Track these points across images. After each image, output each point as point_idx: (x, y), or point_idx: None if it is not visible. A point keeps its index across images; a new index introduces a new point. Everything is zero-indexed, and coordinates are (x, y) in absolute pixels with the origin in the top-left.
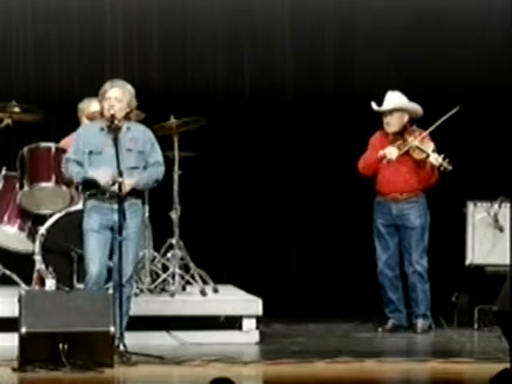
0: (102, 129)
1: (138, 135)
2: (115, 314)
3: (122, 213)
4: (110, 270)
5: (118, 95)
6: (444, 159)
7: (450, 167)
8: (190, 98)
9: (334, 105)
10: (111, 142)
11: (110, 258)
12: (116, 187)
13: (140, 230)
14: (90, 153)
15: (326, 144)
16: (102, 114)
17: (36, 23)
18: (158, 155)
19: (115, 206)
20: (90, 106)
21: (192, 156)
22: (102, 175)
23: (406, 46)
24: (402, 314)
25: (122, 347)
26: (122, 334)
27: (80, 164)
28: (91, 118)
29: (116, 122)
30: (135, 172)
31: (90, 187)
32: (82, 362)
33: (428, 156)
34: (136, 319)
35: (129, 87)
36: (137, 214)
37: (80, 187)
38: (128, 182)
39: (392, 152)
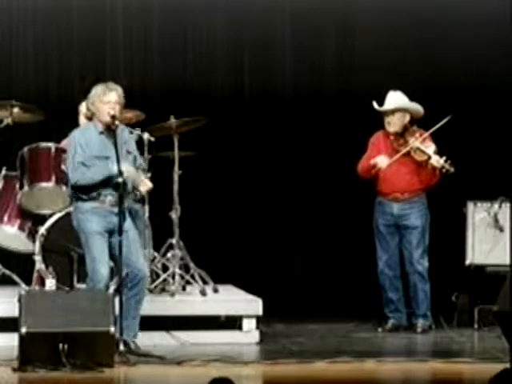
0: (102, 132)
1: (128, 139)
2: (126, 316)
3: (126, 214)
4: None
5: (116, 98)
6: (446, 161)
7: (452, 169)
8: (190, 98)
9: (334, 105)
10: (112, 144)
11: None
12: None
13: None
14: (96, 157)
15: (326, 144)
16: (90, 117)
17: (36, 23)
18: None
19: (115, 209)
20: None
21: (192, 156)
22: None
23: (406, 46)
24: (402, 314)
25: (121, 347)
26: (134, 335)
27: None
28: (90, 118)
29: (116, 123)
30: None
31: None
32: (81, 362)
33: (429, 158)
34: None
35: (120, 90)
36: (133, 216)
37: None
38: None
39: (383, 161)
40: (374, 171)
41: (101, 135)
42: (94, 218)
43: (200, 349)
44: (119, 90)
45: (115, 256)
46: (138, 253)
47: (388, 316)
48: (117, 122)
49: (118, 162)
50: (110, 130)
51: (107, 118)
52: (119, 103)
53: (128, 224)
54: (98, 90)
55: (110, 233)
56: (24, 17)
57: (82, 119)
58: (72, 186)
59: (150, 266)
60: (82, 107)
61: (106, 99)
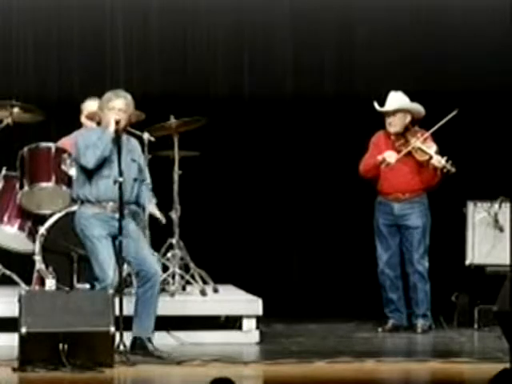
0: None
1: (134, 148)
2: (140, 314)
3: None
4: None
5: (122, 106)
6: (447, 161)
7: (453, 169)
8: (190, 98)
9: (335, 105)
10: (116, 150)
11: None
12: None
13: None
14: None
15: (326, 144)
16: (98, 123)
17: (36, 23)
18: (148, 175)
19: (116, 215)
20: (92, 105)
21: (192, 156)
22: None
23: (406, 46)
24: (402, 314)
25: (121, 347)
26: (150, 340)
27: None
28: (91, 118)
29: (120, 129)
30: (136, 184)
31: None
32: (81, 362)
33: (431, 158)
34: None
35: (129, 98)
36: (133, 217)
37: (79, 194)
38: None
39: (391, 155)
40: (383, 166)
41: None
42: (97, 223)
43: (200, 349)
44: (128, 97)
45: (119, 257)
46: (146, 251)
47: (388, 316)
48: (120, 130)
49: (120, 162)
50: (116, 136)
51: (111, 124)
52: (126, 111)
53: (132, 226)
54: (106, 96)
55: (114, 237)
56: (24, 17)
57: (84, 118)
58: (84, 169)
59: None
60: (84, 106)
61: (111, 105)
